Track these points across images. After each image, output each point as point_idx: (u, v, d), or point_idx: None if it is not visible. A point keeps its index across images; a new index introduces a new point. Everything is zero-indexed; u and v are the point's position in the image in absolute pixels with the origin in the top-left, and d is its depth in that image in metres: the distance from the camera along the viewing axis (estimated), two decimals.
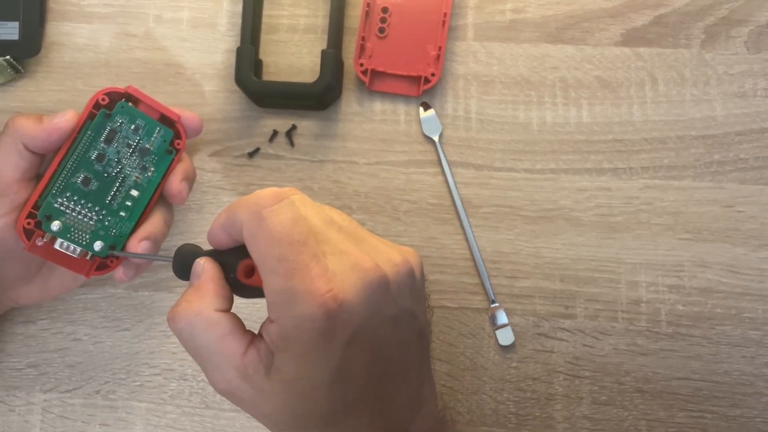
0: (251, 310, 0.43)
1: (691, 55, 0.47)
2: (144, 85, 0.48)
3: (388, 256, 0.32)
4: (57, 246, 0.38)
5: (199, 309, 0.31)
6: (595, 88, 0.47)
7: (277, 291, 0.29)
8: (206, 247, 0.35)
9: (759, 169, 0.45)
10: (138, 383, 0.46)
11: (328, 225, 0.31)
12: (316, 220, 0.31)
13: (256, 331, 0.32)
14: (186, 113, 0.42)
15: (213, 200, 0.47)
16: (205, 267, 0.33)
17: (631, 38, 0.47)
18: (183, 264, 0.34)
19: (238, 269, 0.32)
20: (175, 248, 0.35)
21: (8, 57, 0.47)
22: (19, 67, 0.48)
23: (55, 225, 0.38)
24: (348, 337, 0.29)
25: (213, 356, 0.31)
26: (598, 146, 0.46)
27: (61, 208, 0.38)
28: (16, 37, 0.48)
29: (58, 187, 0.38)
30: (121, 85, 0.49)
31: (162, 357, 0.46)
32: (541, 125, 0.46)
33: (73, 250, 0.39)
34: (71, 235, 0.39)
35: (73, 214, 0.39)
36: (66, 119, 0.38)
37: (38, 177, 0.39)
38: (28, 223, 0.37)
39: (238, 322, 0.32)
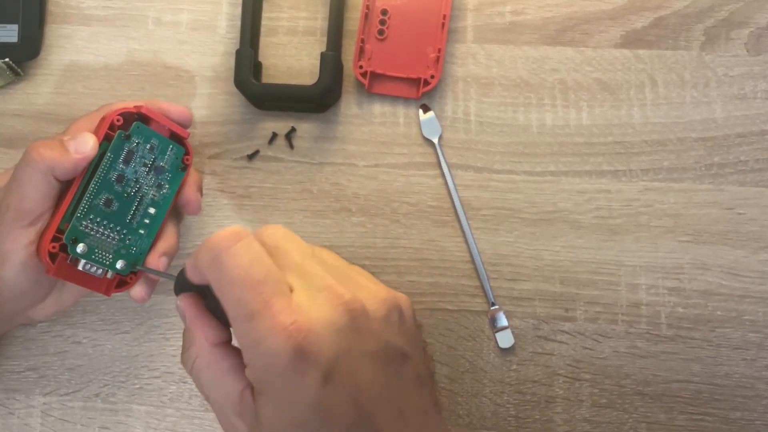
0: None
1: (691, 57, 0.46)
2: (143, 87, 0.48)
3: (373, 291, 0.30)
4: (80, 267, 0.39)
5: (196, 349, 0.31)
6: (594, 90, 0.46)
7: (242, 334, 0.28)
8: None
9: (759, 171, 0.45)
10: (138, 386, 0.46)
11: (308, 257, 0.30)
12: (294, 254, 0.30)
13: None
14: (174, 107, 0.41)
15: (212, 203, 0.47)
16: (185, 305, 0.32)
17: (631, 40, 0.47)
18: (183, 288, 0.34)
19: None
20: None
21: (8, 59, 0.47)
22: (19, 70, 0.48)
23: (80, 247, 0.38)
24: (323, 372, 0.27)
25: (215, 393, 0.31)
26: (597, 148, 0.46)
27: (86, 230, 0.38)
28: (15, 39, 0.48)
29: (82, 210, 0.38)
30: (120, 89, 0.49)
31: (161, 360, 0.46)
32: (541, 127, 0.46)
33: (96, 270, 0.39)
34: (95, 256, 0.39)
35: (97, 235, 0.39)
36: (91, 146, 0.37)
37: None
38: (54, 248, 0.37)
39: (240, 359, 0.31)
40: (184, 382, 0.45)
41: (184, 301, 0.32)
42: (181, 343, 0.45)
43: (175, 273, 0.35)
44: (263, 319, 0.27)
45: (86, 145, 0.37)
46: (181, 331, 0.46)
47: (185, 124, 0.42)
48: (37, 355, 0.46)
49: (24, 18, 0.48)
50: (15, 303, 0.40)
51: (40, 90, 0.49)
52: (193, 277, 0.31)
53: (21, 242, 0.37)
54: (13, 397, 0.46)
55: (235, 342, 0.31)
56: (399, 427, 0.30)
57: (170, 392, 0.45)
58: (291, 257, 0.30)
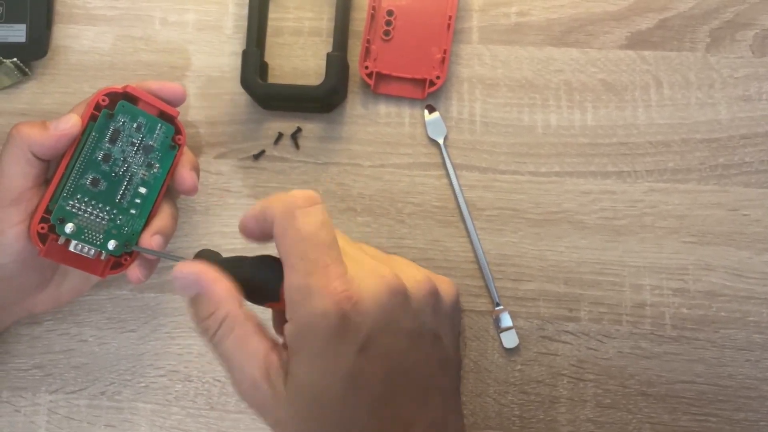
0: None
1: (696, 59, 0.47)
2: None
3: (412, 273, 0.32)
4: (72, 248, 0.39)
5: (224, 312, 0.31)
6: (599, 92, 0.47)
7: (295, 287, 0.30)
8: (224, 252, 0.35)
9: (764, 172, 0.45)
10: (143, 384, 0.46)
11: (351, 244, 0.32)
12: (341, 240, 0.32)
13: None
14: (165, 85, 0.41)
15: (218, 202, 0.47)
16: (201, 270, 0.32)
17: (636, 41, 0.47)
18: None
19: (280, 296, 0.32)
20: (183, 249, 0.35)
21: (15, 59, 0.47)
22: (26, 70, 0.48)
23: (69, 227, 0.38)
24: (361, 341, 0.29)
25: (240, 356, 0.31)
26: (602, 149, 0.46)
27: (73, 210, 0.38)
28: (23, 39, 0.48)
29: (68, 190, 0.38)
30: None
31: (167, 358, 0.46)
32: (546, 128, 0.46)
33: (88, 251, 0.39)
34: (85, 236, 0.39)
35: (86, 215, 0.39)
36: (72, 124, 0.38)
37: (47, 182, 0.39)
38: (42, 228, 0.38)
39: (261, 325, 0.32)
40: (190, 381, 0.46)
41: (199, 266, 0.32)
42: (186, 342, 0.46)
43: (172, 253, 0.35)
44: (320, 279, 0.29)
45: (67, 122, 0.38)
46: (187, 329, 0.46)
47: (178, 101, 0.42)
48: (43, 353, 0.46)
49: (32, 18, 0.48)
50: (7, 288, 0.40)
51: (47, 89, 0.49)
52: (250, 224, 0.32)
53: (5, 223, 0.37)
54: (19, 394, 0.46)
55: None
56: (419, 404, 0.32)
57: (176, 390, 0.46)
58: (339, 237, 0.32)
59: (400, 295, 0.31)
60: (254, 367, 0.30)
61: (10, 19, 0.48)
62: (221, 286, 0.32)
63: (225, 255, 0.35)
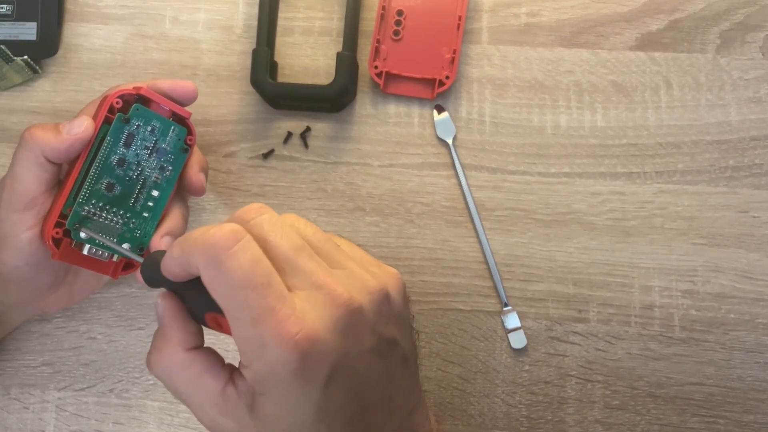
0: None
1: (706, 60, 0.46)
2: None
3: (364, 282, 0.30)
4: (85, 251, 0.39)
5: (169, 353, 0.30)
6: (609, 92, 0.47)
7: (245, 338, 0.28)
8: None
9: None
10: (151, 382, 0.46)
11: (299, 251, 0.29)
12: (286, 247, 0.29)
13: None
14: (176, 84, 0.41)
15: (227, 201, 0.47)
16: (165, 307, 0.31)
17: (647, 43, 0.47)
18: (150, 277, 0.33)
19: (206, 320, 0.31)
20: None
21: (26, 57, 0.47)
22: (37, 68, 0.48)
23: (84, 232, 0.38)
24: (326, 376, 0.28)
25: (193, 396, 0.30)
26: (612, 150, 0.46)
27: (89, 215, 0.39)
28: (34, 37, 0.48)
29: (84, 195, 0.38)
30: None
31: None
32: (556, 129, 0.46)
33: (102, 254, 0.39)
34: (100, 241, 0.39)
35: (100, 219, 0.39)
36: (85, 128, 0.37)
37: (58, 183, 0.39)
38: (57, 233, 0.38)
39: (214, 358, 0.31)
40: None
41: (166, 302, 0.31)
42: None
43: (127, 251, 0.35)
44: (269, 327, 0.27)
45: (80, 126, 0.37)
46: None
47: (189, 99, 0.41)
48: (53, 351, 0.46)
49: (42, 16, 0.49)
50: (20, 290, 0.40)
51: (58, 88, 0.49)
52: (174, 270, 0.30)
53: (19, 227, 0.37)
54: (28, 392, 0.46)
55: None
56: (388, 410, 0.31)
57: None
58: (282, 250, 0.29)
59: (356, 315, 0.28)
60: (210, 406, 0.30)
61: (21, 17, 0.49)
62: (174, 328, 0.31)
63: None
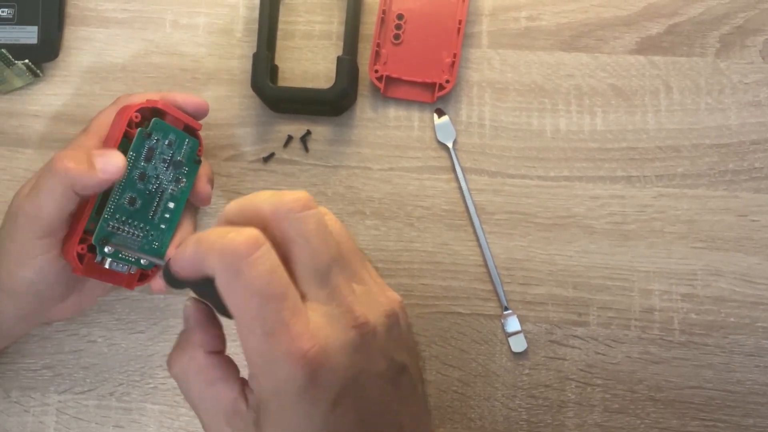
0: None
1: (706, 64, 0.47)
2: (160, 89, 0.49)
3: (380, 304, 0.30)
4: (107, 265, 0.39)
5: (190, 354, 0.30)
6: (609, 96, 0.47)
7: (255, 351, 0.27)
8: None
9: None
10: (152, 386, 0.46)
11: (334, 263, 0.29)
12: (325, 257, 0.28)
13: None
14: (190, 100, 0.41)
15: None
16: (193, 308, 0.31)
17: (646, 46, 0.47)
18: (172, 279, 0.32)
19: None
20: None
21: (27, 61, 0.47)
22: (38, 71, 0.48)
23: (109, 248, 0.38)
24: (333, 397, 0.27)
25: (204, 401, 0.30)
26: (611, 154, 0.46)
27: (113, 230, 0.39)
28: (34, 41, 0.49)
29: (109, 210, 0.38)
30: (138, 91, 0.49)
31: None
32: (555, 133, 0.47)
33: (122, 267, 0.40)
34: (123, 255, 0.39)
35: (123, 234, 0.39)
36: (119, 168, 0.36)
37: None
38: (82, 249, 0.38)
39: (231, 367, 0.30)
40: None
41: (194, 307, 0.31)
42: None
43: (154, 258, 0.35)
44: (281, 342, 0.26)
45: (115, 165, 0.36)
46: None
47: (201, 115, 0.42)
48: (53, 354, 0.47)
49: (43, 20, 0.49)
50: (32, 303, 0.40)
51: (59, 91, 0.49)
52: (186, 269, 0.29)
53: (38, 250, 0.37)
54: (28, 395, 0.46)
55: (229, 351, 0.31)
56: None
57: None
58: (320, 259, 0.28)
59: (369, 338, 0.28)
60: (219, 415, 0.29)
61: (22, 20, 0.49)
62: (199, 332, 0.31)
63: None
